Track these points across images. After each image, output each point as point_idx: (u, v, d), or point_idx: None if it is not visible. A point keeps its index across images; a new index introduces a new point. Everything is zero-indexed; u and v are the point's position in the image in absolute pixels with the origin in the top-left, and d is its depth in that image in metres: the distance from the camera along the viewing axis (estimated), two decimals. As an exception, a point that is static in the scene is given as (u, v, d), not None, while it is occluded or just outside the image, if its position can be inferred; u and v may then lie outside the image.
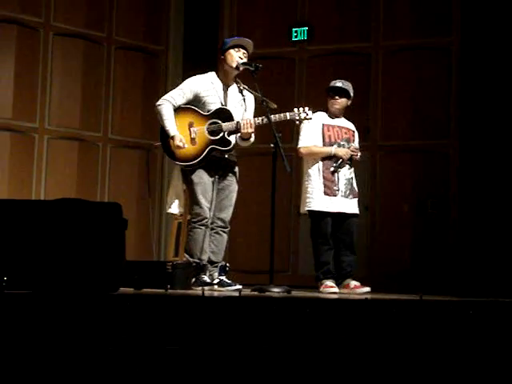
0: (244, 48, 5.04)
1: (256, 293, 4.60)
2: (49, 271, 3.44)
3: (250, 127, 4.91)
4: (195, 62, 7.49)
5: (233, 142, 4.99)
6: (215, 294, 4.36)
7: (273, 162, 4.72)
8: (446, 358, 3.46)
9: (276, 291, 4.57)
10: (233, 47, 5.01)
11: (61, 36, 7.26)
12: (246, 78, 5.13)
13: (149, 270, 4.54)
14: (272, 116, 4.83)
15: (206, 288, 4.71)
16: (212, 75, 5.08)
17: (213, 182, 4.99)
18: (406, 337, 3.47)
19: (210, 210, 4.97)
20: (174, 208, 5.14)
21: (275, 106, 4.96)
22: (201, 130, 4.95)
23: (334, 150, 5.42)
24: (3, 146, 6.91)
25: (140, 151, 7.58)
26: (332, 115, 5.51)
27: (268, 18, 7.76)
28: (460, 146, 7.01)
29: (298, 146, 5.48)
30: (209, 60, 7.15)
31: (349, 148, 5.46)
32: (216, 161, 5.00)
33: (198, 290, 4.57)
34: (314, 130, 5.44)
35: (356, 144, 5.60)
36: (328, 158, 5.43)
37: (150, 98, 7.62)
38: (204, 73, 5.12)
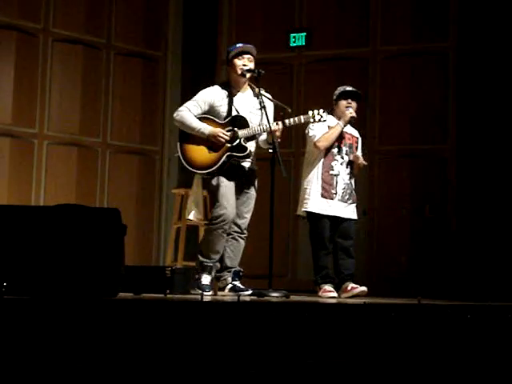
0: (248, 53, 5.08)
1: (255, 297, 4.61)
2: (48, 277, 3.45)
3: (277, 132, 4.88)
4: (194, 68, 7.53)
5: (249, 148, 5.00)
6: (220, 299, 4.37)
7: (271, 166, 4.73)
8: (444, 361, 3.47)
9: (275, 296, 4.57)
10: (236, 56, 5.06)
11: (60, 42, 7.27)
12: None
13: (148, 275, 4.56)
14: (287, 120, 4.88)
15: (205, 293, 4.71)
16: (223, 86, 5.12)
17: (233, 188, 5.00)
18: (404, 341, 3.49)
19: (231, 213, 4.92)
20: (191, 215, 5.15)
21: (290, 110, 4.98)
22: None
23: (341, 123, 5.41)
24: (3, 151, 6.92)
25: (139, 157, 7.60)
26: (344, 122, 5.43)
27: (266, 23, 7.78)
28: (458, 150, 7.04)
29: (314, 142, 5.39)
30: (207, 65, 7.20)
31: (352, 155, 5.46)
32: (235, 169, 5.00)
33: (197, 295, 4.58)
34: (322, 127, 5.40)
35: (359, 151, 5.60)
36: (329, 159, 5.42)
37: (149, 104, 7.68)
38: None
